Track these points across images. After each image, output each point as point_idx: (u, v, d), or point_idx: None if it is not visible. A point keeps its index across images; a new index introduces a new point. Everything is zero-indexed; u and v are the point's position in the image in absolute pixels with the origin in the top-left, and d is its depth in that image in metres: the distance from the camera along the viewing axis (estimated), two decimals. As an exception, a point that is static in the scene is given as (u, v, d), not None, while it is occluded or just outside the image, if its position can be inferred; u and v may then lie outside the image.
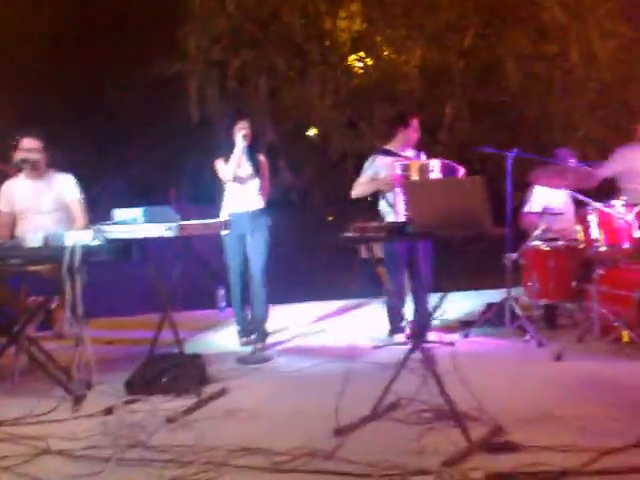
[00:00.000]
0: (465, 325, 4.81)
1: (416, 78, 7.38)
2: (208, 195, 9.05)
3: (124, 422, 2.95)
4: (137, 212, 3.16)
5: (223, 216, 4.45)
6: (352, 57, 8.14)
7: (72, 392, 3.27)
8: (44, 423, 2.99)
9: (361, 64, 8.15)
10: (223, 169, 4.45)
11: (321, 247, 8.57)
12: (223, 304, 6.07)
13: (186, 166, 8.77)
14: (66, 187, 4.00)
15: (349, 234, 2.89)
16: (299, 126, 7.65)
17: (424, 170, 4.31)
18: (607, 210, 4.09)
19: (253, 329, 4.48)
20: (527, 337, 4.38)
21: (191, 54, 6.73)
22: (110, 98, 8.08)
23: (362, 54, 8.10)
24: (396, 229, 2.74)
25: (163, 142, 8.45)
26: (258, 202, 4.51)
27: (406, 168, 4.36)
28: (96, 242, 3.12)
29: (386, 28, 7.65)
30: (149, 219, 3.14)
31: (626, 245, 4.08)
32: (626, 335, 3.89)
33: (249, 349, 4.35)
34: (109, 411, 3.11)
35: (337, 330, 5.19)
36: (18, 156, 3.75)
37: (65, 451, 2.62)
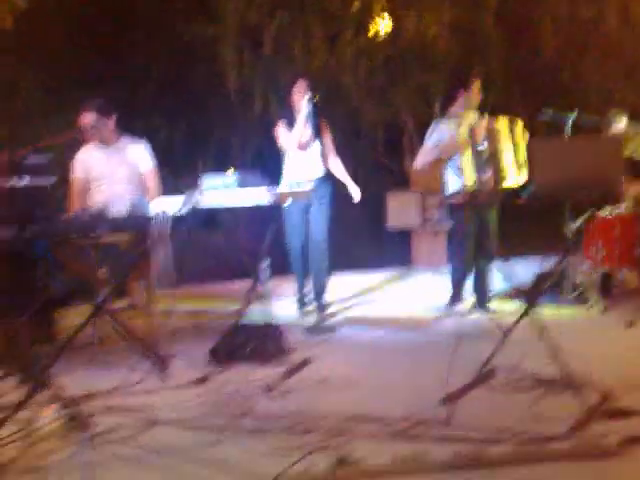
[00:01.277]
0: (522, 293, 4.80)
1: (449, 40, 7.22)
2: (236, 164, 8.94)
3: (221, 392, 2.93)
4: (229, 178, 3.08)
5: (285, 184, 4.36)
6: (378, 19, 7.91)
7: (158, 363, 3.24)
8: (137, 394, 2.96)
9: (387, 22, 7.93)
10: (286, 137, 4.35)
11: (345, 217, 8.54)
12: (267, 275, 6.05)
13: (214, 135, 8.62)
14: (140, 155, 3.92)
15: (452, 200, 2.84)
16: (332, 92, 7.50)
17: (492, 131, 4.23)
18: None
19: (313, 299, 4.44)
20: (589, 304, 4.38)
21: (227, 17, 6.53)
22: (134, 63, 7.86)
23: (386, 15, 7.85)
24: (514, 193, 2.69)
25: (189, 110, 8.26)
26: (320, 169, 4.43)
27: (473, 131, 4.26)
28: (184, 211, 3.06)
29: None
30: (242, 185, 3.06)
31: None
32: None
33: (309, 319, 4.34)
34: (202, 381, 3.09)
35: (388, 300, 5.18)
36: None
37: (174, 421, 2.59)
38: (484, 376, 2.95)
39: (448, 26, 7.28)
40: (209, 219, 3.17)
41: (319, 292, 4.37)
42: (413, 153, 8.61)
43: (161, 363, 3.26)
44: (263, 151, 8.23)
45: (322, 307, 4.37)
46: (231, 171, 3.11)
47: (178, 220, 3.08)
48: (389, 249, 7.95)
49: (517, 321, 2.82)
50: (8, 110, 6.80)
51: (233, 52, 6.83)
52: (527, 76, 7.96)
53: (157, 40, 7.46)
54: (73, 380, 3.16)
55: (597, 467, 2.07)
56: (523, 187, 2.64)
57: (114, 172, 3.86)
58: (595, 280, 4.61)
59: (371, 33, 7.70)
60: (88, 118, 3.77)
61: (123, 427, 2.55)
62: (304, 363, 3.30)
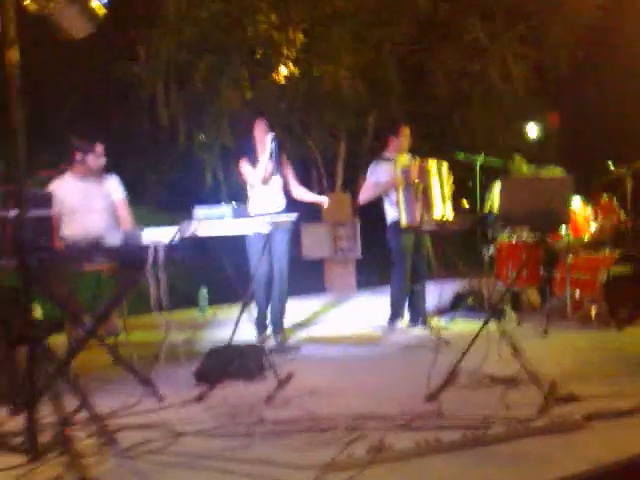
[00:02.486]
0: (444, 311, 5.47)
1: (358, 86, 7.92)
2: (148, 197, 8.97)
3: (225, 405, 3.16)
4: (224, 209, 3.36)
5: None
6: (281, 66, 8.44)
7: (149, 386, 3.39)
8: (143, 414, 3.11)
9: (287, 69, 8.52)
10: (251, 172, 4.64)
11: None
12: (205, 303, 6.22)
13: (127, 166, 8.62)
14: (113, 187, 4.05)
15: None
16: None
17: (422, 171, 4.86)
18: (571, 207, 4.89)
19: (273, 322, 4.71)
20: (504, 319, 5.10)
21: (161, 57, 6.73)
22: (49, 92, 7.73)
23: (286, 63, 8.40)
24: (483, 220, 3.25)
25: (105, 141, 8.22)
26: (282, 202, 4.76)
27: (406, 172, 4.87)
28: (177, 240, 3.29)
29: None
30: (237, 215, 3.35)
31: (586, 237, 4.97)
32: (593, 312, 4.73)
33: (268, 342, 4.63)
34: (200, 398, 3.29)
35: (327, 322, 5.61)
36: (92, 161, 3.84)
37: (198, 432, 2.79)
38: (451, 377, 3.45)
39: (355, 73, 7.99)
40: (201, 248, 3.41)
41: (280, 315, 4.66)
42: (322, 187, 9.20)
43: (152, 386, 3.41)
44: (179, 184, 8.41)
45: (281, 329, 4.67)
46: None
47: (170, 249, 3.29)
48: (304, 276, 8.42)
49: (479, 332, 3.34)
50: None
51: (154, 89, 7.01)
52: (422, 120, 8.88)
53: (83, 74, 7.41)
54: (67, 404, 3.23)
55: (568, 438, 2.61)
56: (487, 216, 3.21)
57: (91, 203, 3.97)
58: (508, 298, 5.36)
59: (278, 77, 8.22)
60: (101, 149, 3.91)
61: (151, 440, 2.72)
62: (289, 377, 3.61)
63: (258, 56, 7.85)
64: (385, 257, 6.87)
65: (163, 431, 2.82)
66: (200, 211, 3.40)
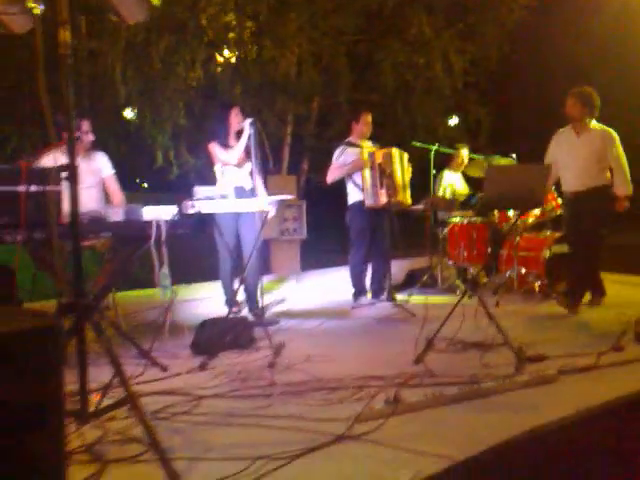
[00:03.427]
0: (401, 287, 5.87)
1: (311, 74, 8.15)
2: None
3: (231, 372, 3.35)
4: (225, 189, 3.52)
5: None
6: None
7: (149, 357, 3.52)
8: (151, 382, 3.24)
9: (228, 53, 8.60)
10: (224, 154, 4.78)
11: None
12: (168, 283, 6.25)
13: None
14: (102, 163, 4.07)
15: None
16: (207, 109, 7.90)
17: (387, 156, 5.19)
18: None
19: (250, 299, 4.89)
20: (458, 293, 5.56)
21: (121, 34, 6.61)
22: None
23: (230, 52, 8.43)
24: (467, 204, 3.60)
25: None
26: (250, 182, 4.93)
27: (372, 155, 5.19)
28: (176, 216, 3.41)
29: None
30: (239, 196, 3.52)
31: (530, 219, 5.50)
32: (537, 286, 5.27)
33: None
34: (203, 366, 3.46)
35: (291, 299, 5.86)
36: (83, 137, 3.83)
37: (216, 396, 2.99)
38: (430, 343, 3.81)
39: (306, 60, 8.21)
40: (200, 224, 3.55)
41: (254, 291, 4.84)
42: (268, 169, 9.37)
43: (151, 357, 3.54)
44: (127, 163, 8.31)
45: (257, 304, 4.86)
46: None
47: (172, 225, 3.42)
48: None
49: (456, 304, 3.70)
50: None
51: (112, 66, 6.91)
52: (367, 108, 9.22)
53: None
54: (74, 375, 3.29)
55: (547, 390, 3.02)
56: (470, 198, 3.56)
57: (81, 180, 3.96)
58: (459, 274, 5.84)
59: (224, 59, 8.27)
60: (87, 125, 3.89)
61: (174, 404, 2.88)
62: (282, 345, 3.84)
63: (207, 38, 7.88)
64: (330, 238, 7.20)
65: (181, 396, 2.98)
66: (201, 190, 3.54)
